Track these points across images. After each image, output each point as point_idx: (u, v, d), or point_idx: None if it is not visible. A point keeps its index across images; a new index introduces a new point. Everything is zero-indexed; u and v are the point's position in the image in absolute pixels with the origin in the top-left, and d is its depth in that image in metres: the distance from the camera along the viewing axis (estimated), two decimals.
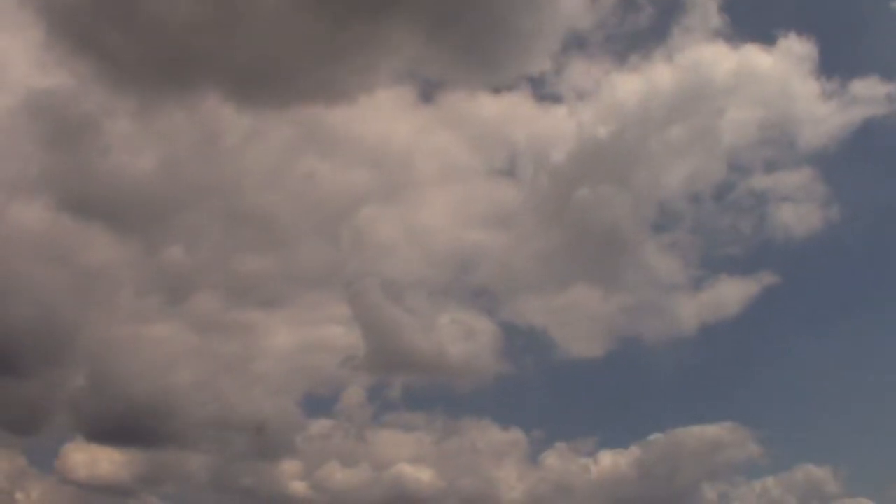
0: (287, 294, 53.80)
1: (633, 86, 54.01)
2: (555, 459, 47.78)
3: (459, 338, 51.44)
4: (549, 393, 51.69)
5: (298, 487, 47.81)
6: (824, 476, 45.33)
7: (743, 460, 46.97)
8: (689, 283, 52.62)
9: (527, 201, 54.05)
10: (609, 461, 47.33)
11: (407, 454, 49.20)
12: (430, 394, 52.31)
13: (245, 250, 53.26)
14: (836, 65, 54.17)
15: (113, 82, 50.84)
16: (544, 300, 53.19)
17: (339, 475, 48.36)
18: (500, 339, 51.31)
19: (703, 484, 45.99)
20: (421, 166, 56.40)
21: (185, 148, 53.74)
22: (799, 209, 53.19)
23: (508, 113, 55.94)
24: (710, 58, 53.84)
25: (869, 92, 53.23)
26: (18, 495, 43.48)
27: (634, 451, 47.78)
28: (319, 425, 50.86)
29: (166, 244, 52.14)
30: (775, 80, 54.03)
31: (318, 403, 51.84)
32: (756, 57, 54.26)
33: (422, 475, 47.87)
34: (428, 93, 55.75)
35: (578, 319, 52.67)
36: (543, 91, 55.48)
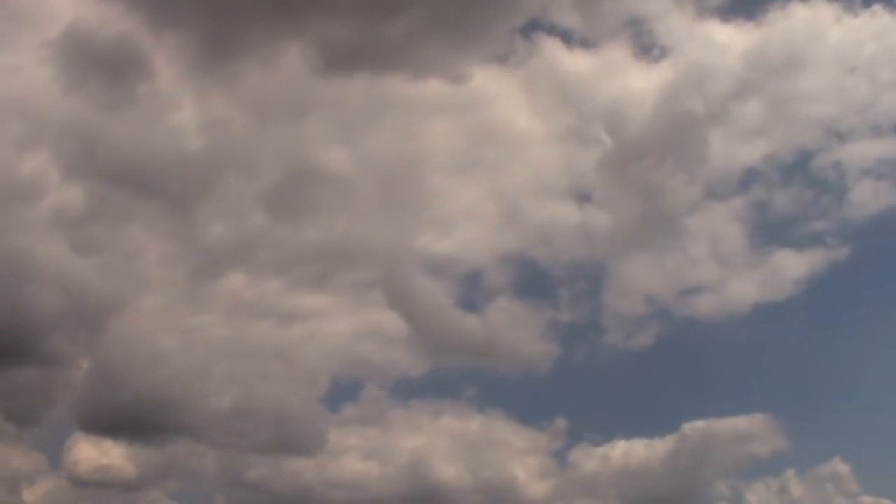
0: (330, 272, 49.49)
1: (720, 46, 50.65)
2: (585, 450, 46.11)
3: (509, 323, 48.61)
4: (593, 378, 49.25)
5: (317, 480, 45.32)
6: (849, 474, 43.93)
7: (773, 454, 45.33)
8: (750, 258, 49.75)
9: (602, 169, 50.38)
10: (639, 451, 45.75)
11: (437, 445, 46.71)
12: (470, 382, 48.72)
13: (291, 225, 49.41)
14: None
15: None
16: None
17: (360, 467, 45.78)
18: (552, 325, 48.53)
19: (729, 478, 44.78)
20: (501, 133, 51.97)
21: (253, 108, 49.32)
22: (878, 184, 49.45)
23: (594, 71, 51.67)
24: (804, 23, 50.35)
25: None
26: (25, 490, 43.09)
27: (668, 441, 46.18)
28: (342, 417, 47.85)
29: (203, 216, 48.38)
30: (858, 48, 50.40)
31: (345, 393, 48.49)
32: (847, 22, 50.66)
33: (450, 467, 45.54)
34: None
35: (633, 295, 49.54)
36: (628, 49, 51.47)
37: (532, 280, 50.41)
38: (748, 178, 49.97)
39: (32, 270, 44.06)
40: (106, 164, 46.92)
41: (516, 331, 48.72)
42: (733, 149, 50.11)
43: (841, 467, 44.23)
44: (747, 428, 45.14)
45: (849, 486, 43.81)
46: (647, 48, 51.19)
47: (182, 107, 48.36)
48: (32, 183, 46.41)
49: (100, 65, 47.13)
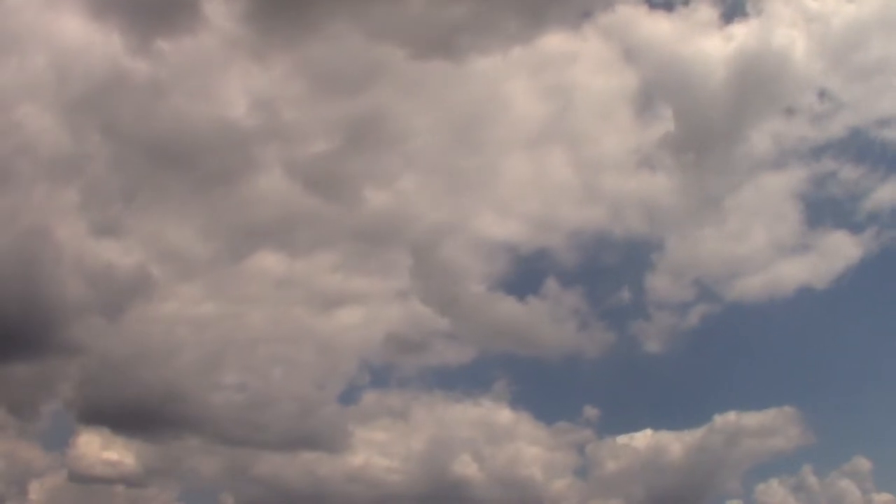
0: (373, 253, 47.35)
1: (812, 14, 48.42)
2: (612, 441, 45.37)
3: (554, 309, 47.10)
4: (630, 366, 47.76)
5: (336, 476, 43.53)
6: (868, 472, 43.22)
7: (795, 449, 44.44)
8: (803, 238, 48.41)
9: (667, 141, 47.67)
10: (667, 444, 44.92)
11: (465, 436, 44.99)
12: (504, 371, 47.00)
13: (335, 202, 46.79)
14: None
15: None
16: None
17: (381, 462, 43.94)
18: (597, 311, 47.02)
19: (750, 472, 44.05)
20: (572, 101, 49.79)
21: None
22: None
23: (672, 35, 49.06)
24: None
25: None
26: (30, 485, 42.68)
27: (697, 433, 44.94)
28: (366, 410, 45.94)
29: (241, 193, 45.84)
30: None
31: (373, 382, 46.58)
32: None
33: (475, 458, 43.69)
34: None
35: (682, 276, 47.84)
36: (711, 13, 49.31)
37: (581, 263, 48.62)
38: (813, 152, 48.85)
39: (51, 253, 42.08)
40: (138, 133, 44.37)
41: (560, 318, 47.12)
42: (802, 123, 48.57)
43: (862, 464, 43.70)
44: (773, 421, 44.55)
45: (867, 484, 43.45)
46: (730, 13, 49.47)
47: (230, 74, 46.02)
48: (59, 156, 44.49)
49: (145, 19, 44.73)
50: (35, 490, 41.80)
